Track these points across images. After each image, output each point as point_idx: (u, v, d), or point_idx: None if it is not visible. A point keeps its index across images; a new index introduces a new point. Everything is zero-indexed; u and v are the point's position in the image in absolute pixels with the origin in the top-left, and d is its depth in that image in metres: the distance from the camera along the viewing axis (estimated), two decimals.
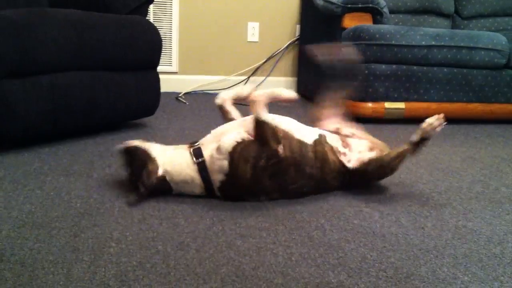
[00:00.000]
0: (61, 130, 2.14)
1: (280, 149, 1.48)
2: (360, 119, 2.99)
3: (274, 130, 1.48)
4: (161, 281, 1.12)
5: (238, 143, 1.46)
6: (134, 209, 1.51)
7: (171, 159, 1.54)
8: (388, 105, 3.00)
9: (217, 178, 1.50)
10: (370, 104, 2.98)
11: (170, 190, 1.57)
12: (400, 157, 1.68)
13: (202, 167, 1.50)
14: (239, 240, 1.34)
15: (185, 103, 3.40)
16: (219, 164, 1.47)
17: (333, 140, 1.68)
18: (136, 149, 1.54)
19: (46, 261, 1.18)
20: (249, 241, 1.34)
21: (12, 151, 2.01)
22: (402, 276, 1.20)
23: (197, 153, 1.52)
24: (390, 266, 1.25)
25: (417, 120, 3.13)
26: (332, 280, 1.16)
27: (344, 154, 1.67)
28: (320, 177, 1.61)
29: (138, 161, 1.52)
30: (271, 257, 1.26)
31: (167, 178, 1.53)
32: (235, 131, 1.50)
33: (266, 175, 1.50)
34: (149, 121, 2.74)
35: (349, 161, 1.67)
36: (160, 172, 1.51)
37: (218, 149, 1.48)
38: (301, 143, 1.56)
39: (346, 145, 1.69)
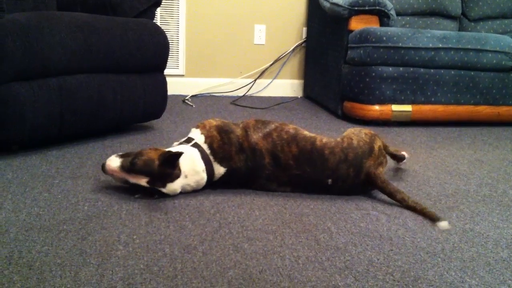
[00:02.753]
0: (69, 133, 2.15)
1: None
2: (367, 122, 3.01)
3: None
4: (168, 284, 1.12)
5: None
6: (141, 212, 1.52)
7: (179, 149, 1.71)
8: (395, 107, 2.99)
9: (206, 137, 1.72)
10: (377, 107, 2.97)
11: (177, 175, 1.64)
12: None
13: (196, 145, 1.71)
14: (246, 243, 1.35)
15: (191, 106, 3.41)
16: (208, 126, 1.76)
17: None
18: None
19: (53, 264, 1.18)
20: (256, 244, 1.34)
21: (20, 154, 2.03)
22: (409, 279, 1.20)
23: (189, 140, 1.75)
24: (397, 270, 1.24)
25: (424, 122, 3.15)
26: (339, 284, 1.16)
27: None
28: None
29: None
30: (278, 260, 1.26)
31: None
32: None
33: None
34: (156, 123, 2.74)
35: None
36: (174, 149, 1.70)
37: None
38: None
39: None
